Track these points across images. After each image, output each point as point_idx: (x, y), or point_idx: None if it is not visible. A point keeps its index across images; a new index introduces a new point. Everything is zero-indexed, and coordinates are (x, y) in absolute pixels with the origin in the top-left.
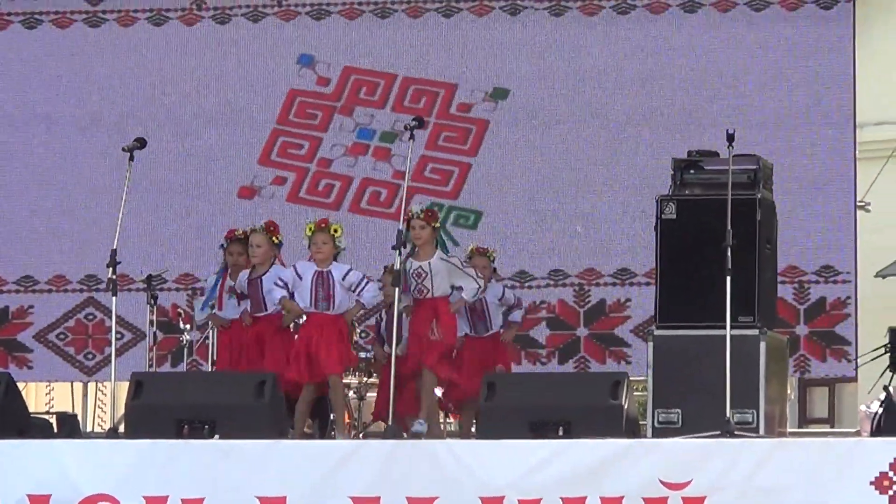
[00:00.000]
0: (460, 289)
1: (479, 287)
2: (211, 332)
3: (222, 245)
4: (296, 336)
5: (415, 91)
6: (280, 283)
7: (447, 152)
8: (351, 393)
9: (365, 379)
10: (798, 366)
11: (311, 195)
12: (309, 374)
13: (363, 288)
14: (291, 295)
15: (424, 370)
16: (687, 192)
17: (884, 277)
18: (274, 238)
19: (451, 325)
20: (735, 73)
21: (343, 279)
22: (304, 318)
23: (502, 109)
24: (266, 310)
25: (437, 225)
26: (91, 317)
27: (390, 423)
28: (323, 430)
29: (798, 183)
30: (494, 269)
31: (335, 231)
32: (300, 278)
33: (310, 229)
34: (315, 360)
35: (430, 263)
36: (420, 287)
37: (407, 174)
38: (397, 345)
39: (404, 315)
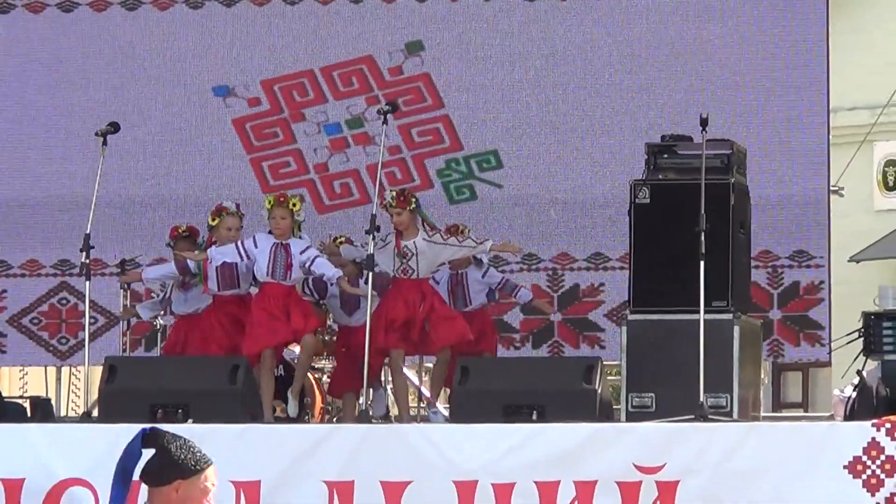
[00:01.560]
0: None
1: (469, 247)
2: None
3: (169, 244)
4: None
5: (341, 74)
6: (242, 252)
7: (417, 113)
8: (325, 378)
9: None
10: (772, 350)
11: (336, 199)
12: (272, 338)
13: (312, 262)
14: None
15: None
16: (660, 176)
17: (857, 262)
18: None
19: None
20: (708, 56)
21: (301, 253)
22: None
23: (431, 60)
24: (240, 287)
25: (412, 207)
26: (64, 301)
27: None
28: (300, 412)
29: (772, 168)
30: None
31: (294, 205)
32: (256, 248)
33: (269, 203)
34: (280, 323)
35: (414, 243)
36: (405, 267)
37: (380, 158)
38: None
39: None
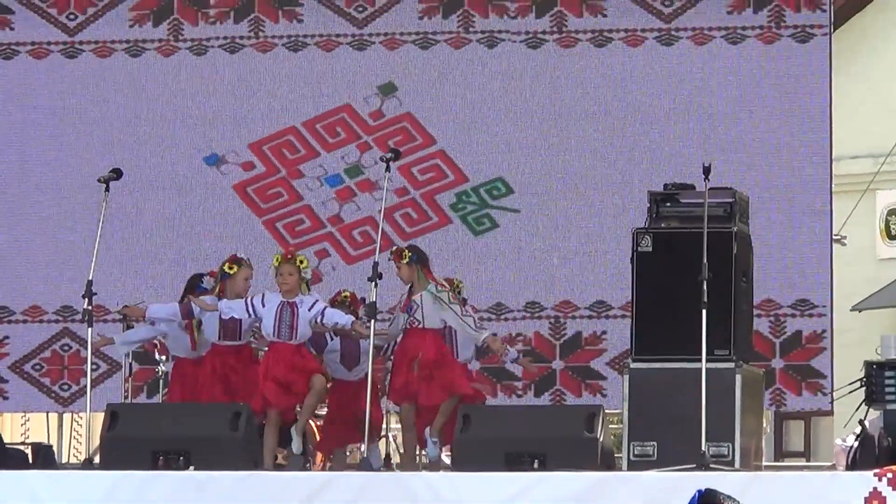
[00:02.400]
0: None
1: (467, 326)
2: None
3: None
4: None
5: (324, 126)
6: (250, 310)
7: (412, 152)
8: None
9: None
10: (774, 399)
11: (360, 248)
12: (277, 400)
13: (322, 315)
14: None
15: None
16: (663, 224)
17: (860, 311)
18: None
19: (432, 353)
20: (711, 105)
21: (309, 310)
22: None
23: (408, 99)
24: (240, 339)
25: (407, 261)
26: (67, 347)
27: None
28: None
29: (774, 216)
30: (464, 300)
31: (301, 262)
32: (263, 307)
33: (277, 260)
34: (284, 385)
35: (420, 296)
36: (412, 319)
37: (383, 206)
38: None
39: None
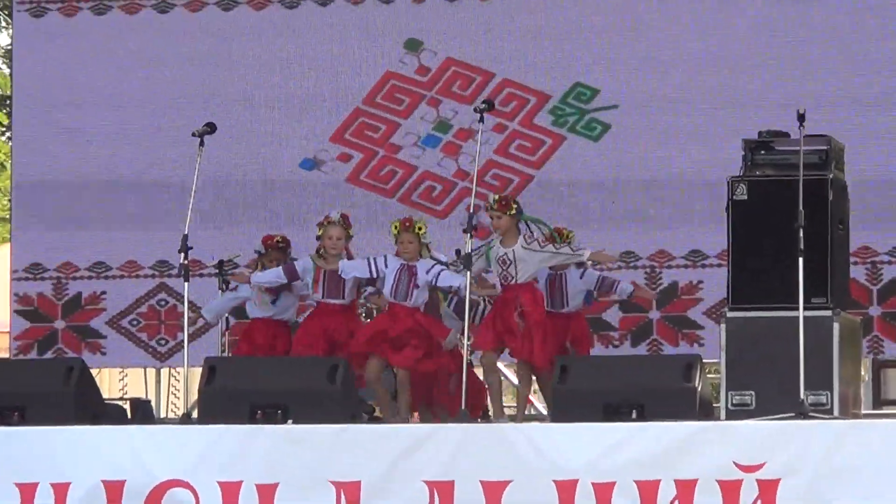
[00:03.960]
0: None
1: (565, 253)
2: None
3: (259, 251)
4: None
5: (384, 97)
6: (373, 269)
7: (514, 160)
8: None
9: None
10: (872, 347)
11: (372, 179)
12: (378, 349)
13: (437, 278)
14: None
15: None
16: (758, 172)
17: None
18: (349, 231)
19: (536, 312)
20: (806, 53)
21: (427, 273)
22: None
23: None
24: (344, 298)
25: (513, 212)
26: (163, 302)
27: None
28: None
29: (870, 163)
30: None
31: (419, 229)
32: (385, 267)
33: (395, 228)
34: (395, 344)
35: (513, 251)
36: (505, 274)
37: (477, 158)
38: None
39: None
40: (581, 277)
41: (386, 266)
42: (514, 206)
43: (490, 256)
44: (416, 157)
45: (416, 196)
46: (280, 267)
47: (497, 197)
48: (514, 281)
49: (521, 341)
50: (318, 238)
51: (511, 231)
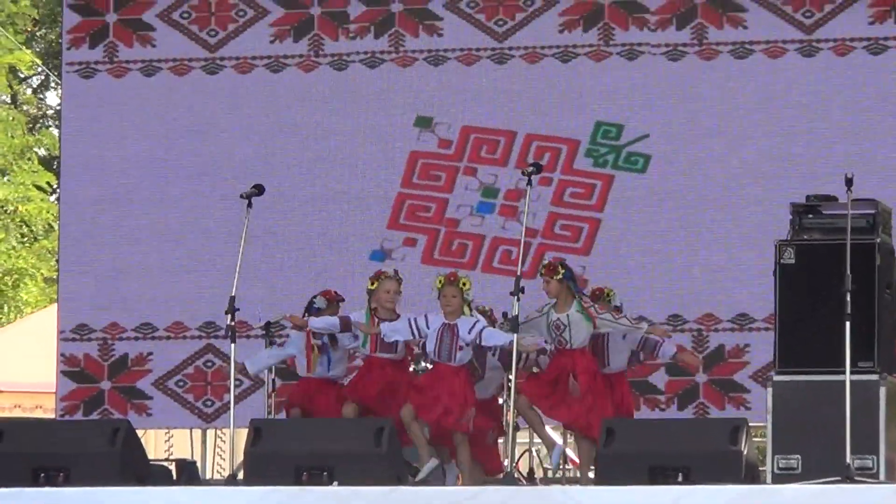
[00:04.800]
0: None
1: (624, 324)
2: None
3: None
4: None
5: (537, 148)
6: (415, 331)
7: (574, 208)
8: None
9: None
10: None
11: (446, 256)
12: (426, 415)
13: (480, 337)
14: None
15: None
16: (805, 236)
17: None
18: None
19: (592, 380)
20: (854, 117)
21: (469, 332)
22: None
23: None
24: (396, 352)
25: (561, 277)
26: (210, 364)
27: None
28: None
29: None
30: (617, 307)
31: (464, 284)
32: (427, 328)
33: (440, 282)
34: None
35: (567, 315)
36: (559, 338)
37: (524, 217)
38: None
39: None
40: (623, 338)
41: (428, 326)
42: (562, 270)
43: (544, 323)
44: (478, 225)
45: (496, 262)
46: (336, 316)
47: (546, 263)
48: (568, 346)
49: (577, 412)
50: (370, 292)
51: (563, 295)
